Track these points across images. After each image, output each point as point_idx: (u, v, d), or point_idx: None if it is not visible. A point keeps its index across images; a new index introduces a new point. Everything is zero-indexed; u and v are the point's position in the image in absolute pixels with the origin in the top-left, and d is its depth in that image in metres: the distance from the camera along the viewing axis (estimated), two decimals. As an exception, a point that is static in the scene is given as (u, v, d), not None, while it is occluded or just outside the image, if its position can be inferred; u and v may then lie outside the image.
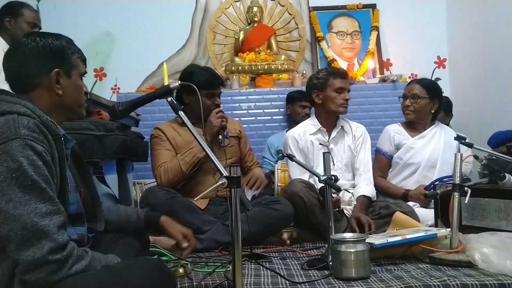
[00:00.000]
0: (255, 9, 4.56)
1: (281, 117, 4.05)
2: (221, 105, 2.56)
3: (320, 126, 2.67)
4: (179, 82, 1.62)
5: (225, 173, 1.30)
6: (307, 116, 3.48)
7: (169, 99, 1.61)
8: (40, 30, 2.92)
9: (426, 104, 2.76)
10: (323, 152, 2.04)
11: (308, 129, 2.69)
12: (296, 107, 3.77)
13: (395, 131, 2.81)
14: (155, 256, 2.00)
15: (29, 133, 1.20)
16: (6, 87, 1.40)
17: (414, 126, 2.82)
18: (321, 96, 2.66)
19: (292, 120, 3.80)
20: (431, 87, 2.80)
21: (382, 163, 2.81)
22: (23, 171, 1.16)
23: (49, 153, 1.24)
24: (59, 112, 1.40)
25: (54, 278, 1.16)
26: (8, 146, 1.17)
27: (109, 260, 1.30)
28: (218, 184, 1.28)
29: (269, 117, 4.03)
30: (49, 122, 1.28)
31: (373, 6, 4.67)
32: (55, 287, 1.16)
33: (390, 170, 2.82)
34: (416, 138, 2.76)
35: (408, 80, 3.85)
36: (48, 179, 1.20)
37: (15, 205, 1.14)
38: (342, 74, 2.69)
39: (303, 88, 3.88)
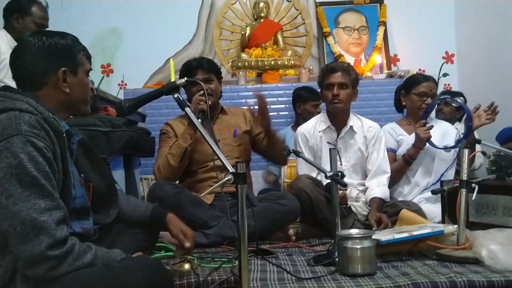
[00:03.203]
0: (261, 4, 4.54)
1: (287, 113, 4.03)
2: (207, 89, 2.32)
3: (330, 123, 2.63)
4: (186, 78, 1.63)
5: (231, 169, 1.30)
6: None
7: (176, 95, 1.61)
8: (47, 29, 2.90)
9: None
10: (330, 148, 2.03)
11: (318, 125, 2.66)
12: (308, 106, 3.63)
13: (392, 129, 2.79)
14: (162, 251, 2.02)
15: (30, 129, 1.21)
16: (14, 84, 1.41)
17: (410, 123, 2.79)
18: (322, 95, 2.66)
19: (302, 118, 3.65)
20: None
21: (391, 159, 2.79)
22: (23, 167, 1.17)
23: (50, 149, 1.25)
24: (65, 109, 1.41)
25: (54, 274, 1.17)
26: (9, 142, 1.18)
27: (113, 257, 1.31)
28: (224, 180, 1.28)
29: (276, 113, 3.98)
30: (50, 118, 1.29)
31: (380, 1, 4.64)
32: (55, 282, 1.17)
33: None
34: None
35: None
36: (48, 175, 1.21)
37: (14, 200, 1.16)
38: (330, 69, 2.59)
39: (310, 84, 3.87)
